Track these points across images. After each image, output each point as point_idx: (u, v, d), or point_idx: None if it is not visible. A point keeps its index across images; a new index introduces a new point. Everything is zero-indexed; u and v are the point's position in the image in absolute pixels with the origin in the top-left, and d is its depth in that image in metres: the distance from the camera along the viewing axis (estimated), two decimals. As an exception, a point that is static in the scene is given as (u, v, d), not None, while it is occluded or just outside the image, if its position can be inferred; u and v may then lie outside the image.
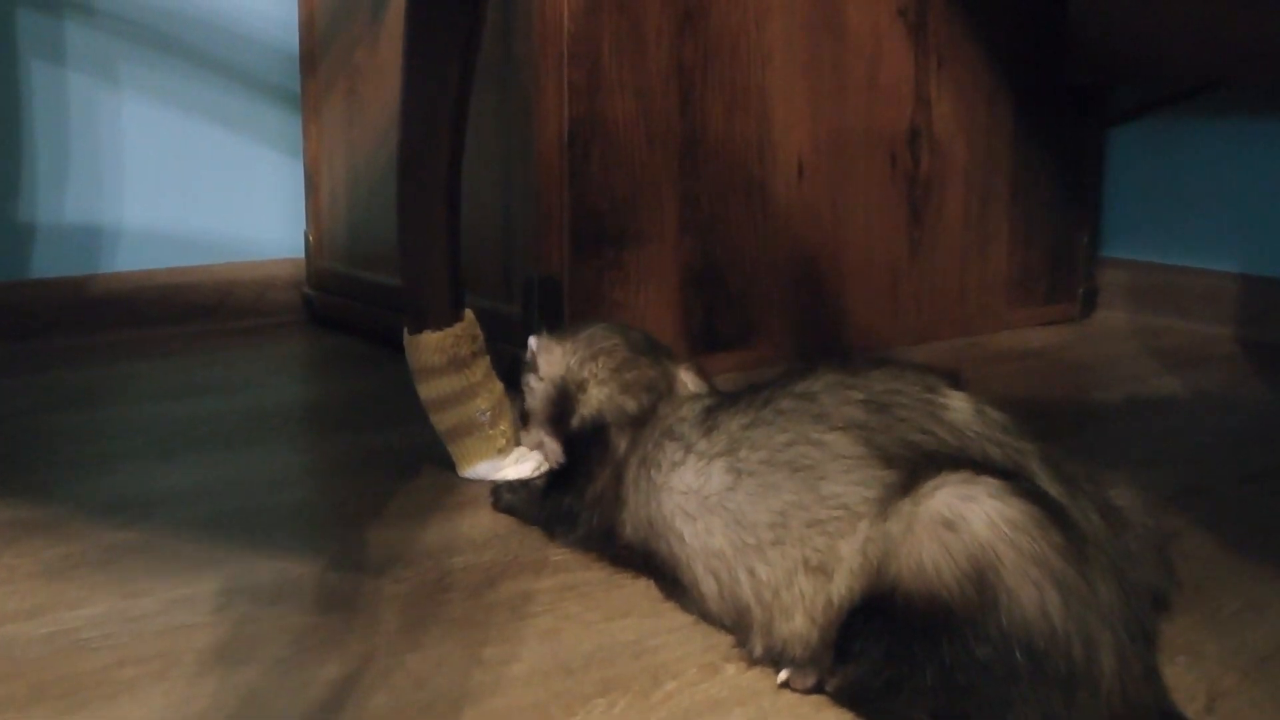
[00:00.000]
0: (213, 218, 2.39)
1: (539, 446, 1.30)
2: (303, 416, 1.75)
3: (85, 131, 2.25)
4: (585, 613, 1.08)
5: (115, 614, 1.07)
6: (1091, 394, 1.91)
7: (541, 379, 1.27)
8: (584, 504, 1.20)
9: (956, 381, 0.98)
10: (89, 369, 2.04)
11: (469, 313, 1.42)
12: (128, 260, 2.31)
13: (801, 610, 0.93)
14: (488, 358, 1.43)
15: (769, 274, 2.01)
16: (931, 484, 0.87)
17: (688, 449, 1.06)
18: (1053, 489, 0.88)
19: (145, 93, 2.30)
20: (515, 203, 1.82)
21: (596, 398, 1.21)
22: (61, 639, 1.02)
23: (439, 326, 1.40)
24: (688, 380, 1.22)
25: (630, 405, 1.19)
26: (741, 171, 1.95)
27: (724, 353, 1.98)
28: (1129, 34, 2.24)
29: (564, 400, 1.25)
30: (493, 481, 1.41)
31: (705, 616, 1.05)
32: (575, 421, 1.22)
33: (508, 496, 1.35)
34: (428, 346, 1.40)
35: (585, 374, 1.24)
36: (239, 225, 2.42)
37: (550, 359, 1.27)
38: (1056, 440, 1.56)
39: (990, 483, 0.86)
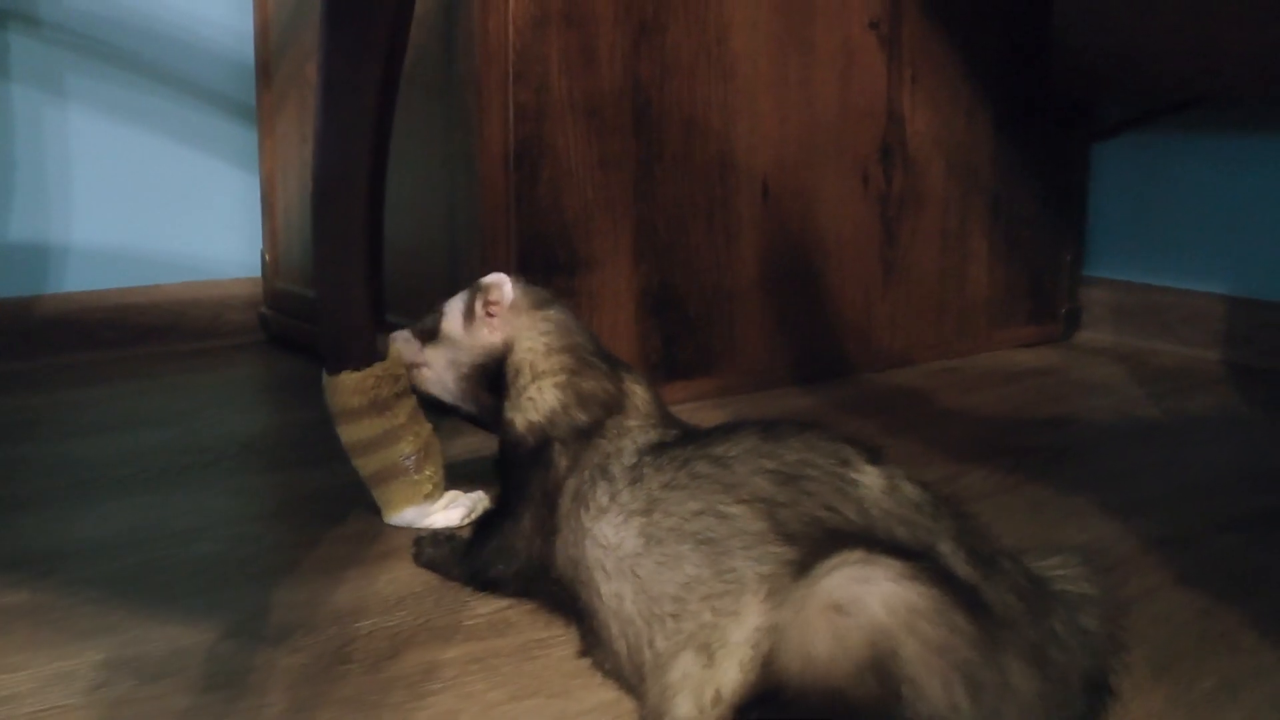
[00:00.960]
0: (166, 235, 2.32)
1: (423, 366, 1.25)
2: (237, 453, 1.67)
3: (30, 146, 2.17)
4: (490, 690, 1.00)
5: (-17, 693, 0.99)
6: (1070, 425, 1.83)
7: (491, 330, 1.19)
8: (519, 532, 1.13)
9: (875, 455, 0.92)
10: (28, 397, 1.97)
11: (393, 350, 1.33)
12: (77, 280, 2.24)
13: (690, 697, 0.86)
14: (413, 398, 1.35)
15: (732, 299, 1.93)
16: (826, 565, 0.81)
17: (613, 496, 1.01)
18: (964, 570, 0.82)
19: (94, 106, 2.22)
20: (460, 229, 1.74)
21: (549, 402, 1.14)
22: (-81, 724, 0.94)
23: (358, 367, 1.32)
24: (639, 401, 1.15)
25: (581, 419, 1.13)
26: (702, 193, 1.87)
27: (684, 381, 1.90)
28: (1116, 46, 2.15)
29: (498, 370, 1.19)
30: (417, 530, 1.33)
31: (618, 677, 0.99)
32: (517, 421, 1.15)
33: (429, 551, 1.27)
34: (346, 388, 1.32)
35: (546, 366, 1.16)
36: (194, 243, 2.35)
37: (515, 321, 1.19)
38: (1034, 477, 1.52)
39: (890, 564, 0.79)
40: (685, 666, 0.87)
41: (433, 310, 1.27)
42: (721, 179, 1.89)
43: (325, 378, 1.34)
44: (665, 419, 1.14)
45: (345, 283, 1.31)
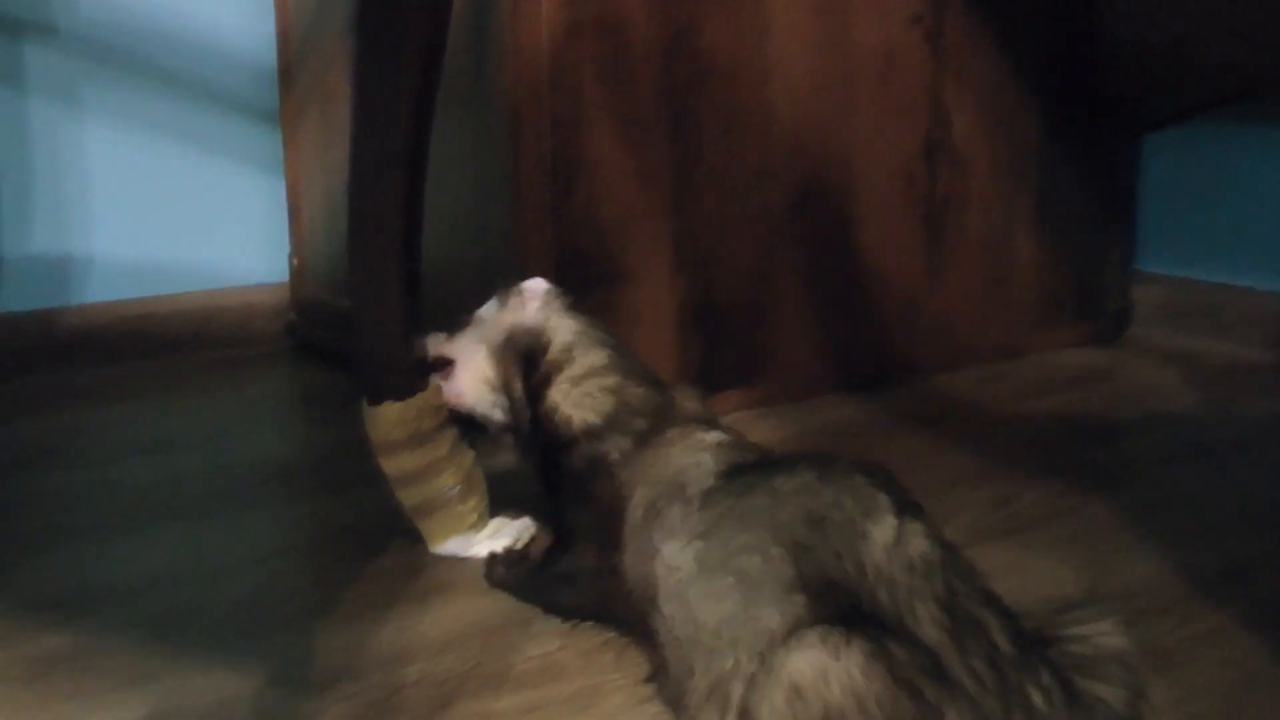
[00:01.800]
0: (189, 243, 2.32)
1: (451, 367, 1.28)
2: (271, 476, 1.67)
3: (48, 156, 2.18)
4: (543, 746, 1.00)
5: (27, 751, 0.99)
6: (1123, 439, 1.81)
7: (524, 312, 1.23)
8: (584, 555, 1.15)
9: (904, 506, 0.94)
10: (53, 417, 1.98)
11: (433, 383, 1.33)
12: (99, 291, 2.25)
13: None
14: (454, 429, 1.34)
15: (774, 309, 1.92)
16: (799, 639, 0.86)
17: (684, 518, 1.03)
18: (933, 635, 0.85)
19: (112, 114, 2.22)
20: (494, 245, 1.74)
21: (603, 406, 1.16)
22: (-36, 786, 0.95)
23: (399, 398, 1.31)
24: (693, 407, 1.18)
25: (641, 424, 1.14)
26: (741, 201, 1.86)
27: (726, 392, 1.90)
28: (1165, 37, 2.13)
29: (537, 354, 1.21)
30: (466, 557, 1.35)
31: (673, 706, 1.00)
32: (574, 420, 1.17)
33: (501, 571, 1.29)
34: (387, 420, 1.32)
35: (591, 361, 1.19)
36: (218, 250, 2.35)
37: (549, 308, 1.24)
38: (1087, 501, 1.50)
39: (850, 651, 0.84)
40: (707, 712, 0.92)
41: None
42: (760, 186, 1.88)
43: (365, 408, 1.34)
44: (731, 433, 1.15)
45: (384, 313, 1.30)
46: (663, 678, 1.03)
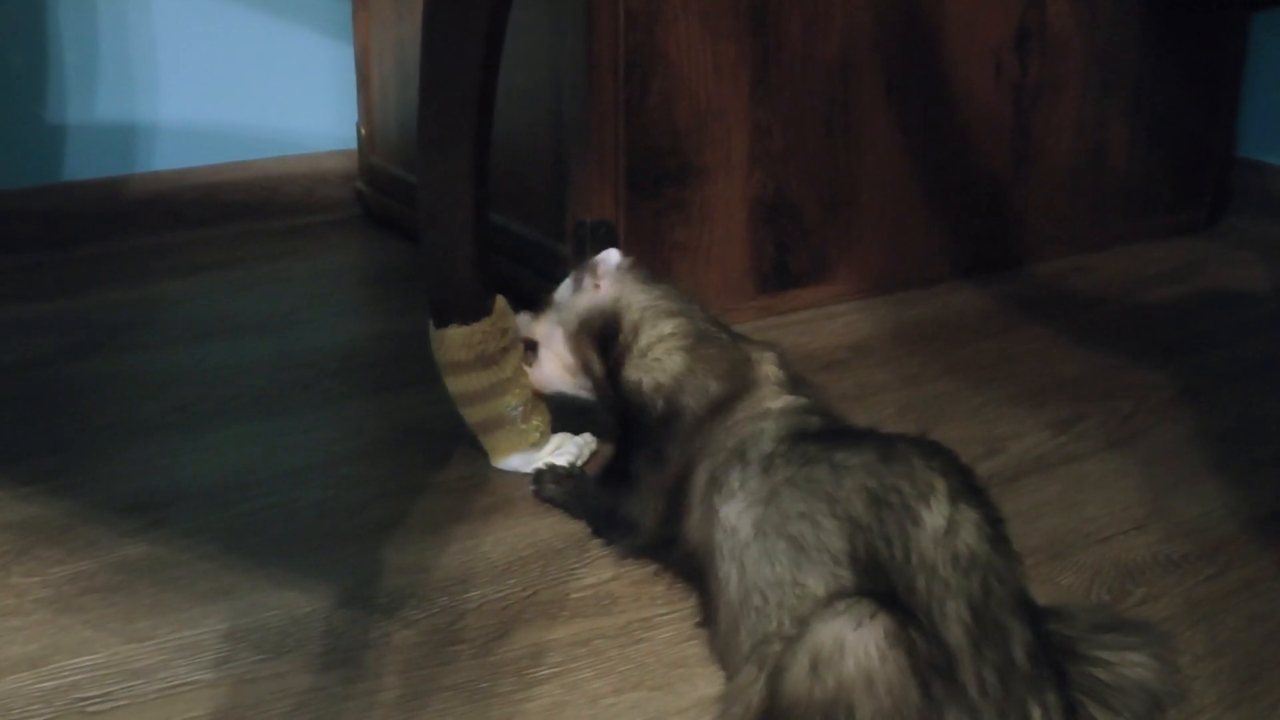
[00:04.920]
0: (256, 110, 2.44)
1: (534, 348, 1.42)
2: (338, 369, 1.81)
3: (114, 21, 2.29)
4: (594, 680, 1.14)
5: (116, 665, 1.15)
6: (1200, 353, 1.88)
7: (598, 292, 1.35)
8: (646, 509, 1.28)
9: (965, 491, 1.04)
10: (122, 290, 2.13)
11: (499, 302, 1.45)
12: (165, 159, 2.38)
13: (741, 700, 1.02)
14: (519, 351, 1.47)
15: (850, 203, 2.02)
16: (833, 610, 0.98)
17: (743, 483, 1.14)
18: (956, 637, 0.95)
19: (180, -25, 2.33)
20: (567, 140, 1.84)
21: (676, 364, 1.27)
22: (59, 698, 1.11)
23: (465, 321, 1.44)
24: (769, 371, 1.28)
25: (714, 388, 1.25)
26: (821, 95, 1.95)
27: (797, 290, 2.01)
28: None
29: (605, 326, 1.33)
30: (529, 473, 1.48)
31: (721, 658, 1.14)
32: (644, 382, 1.29)
33: (551, 488, 1.43)
34: (454, 343, 1.44)
35: (666, 328, 1.30)
36: (285, 116, 2.47)
37: (623, 283, 1.35)
38: (1151, 426, 1.60)
39: (877, 629, 0.95)
40: (745, 677, 1.04)
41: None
42: (843, 78, 1.96)
43: (432, 330, 1.47)
44: (801, 393, 1.26)
45: (452, 235, 1.42)
46: (713, 629, 1.16)
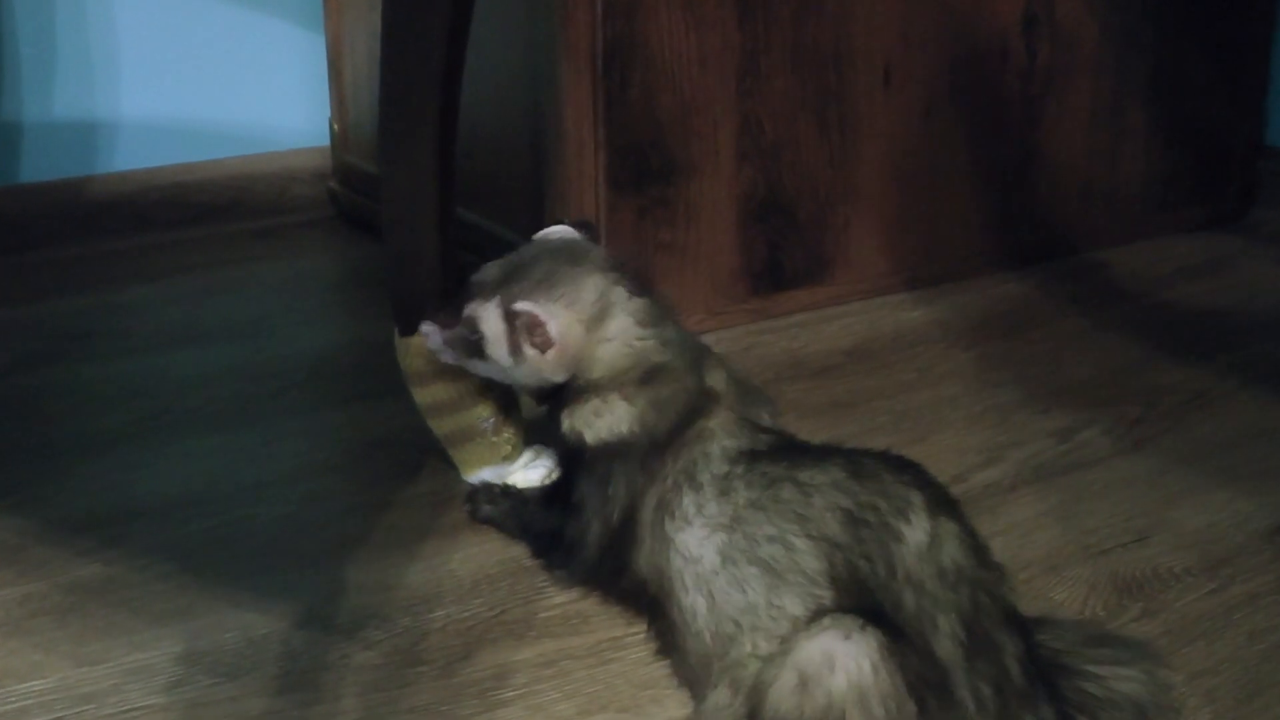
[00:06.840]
0: (224, 105, 2.48)
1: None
2: (305, 379, 1.84)
3: (72, 13, 2.33)
4: (560, 702, 1.18)
5: (66, 690, 1.19)
6: (1219, 356, 1.90)
7: (545, 363, 1.29)
8: (591, 536, 1.29)
9: (940, 506, 1.08)
10: (84, 296, 2.17)
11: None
12: (129, 158, 2.42)
13: None
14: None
15: (846, 199, 2.05)
16: (818, 626, 1.01)
17: (699, 508, 1.17)
18: (948, 651, 0.99)
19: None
20: (544, 135, 1.88)
21: (622, 422, 1.27)
22: (6, 724, 1.15)
23: (431, 329, 1.47)
24: (721, 394, 1.28)
25: (663, 426, 1.26)
26: (813, 86, 1.98)
27: (792, 291, 2.04)
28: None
29: (555, 388, 1.32)
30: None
31: (690, 687, 1.17)
32: (586, 436, 1.29)
33: (488, 508, 1.46)
34: (419, 352, 1.47)
35: (616, 384, 1.28)
36: (255, 113, 2.51)
37: (572, 351, 1.29)
38: (1161, 433, 1.63)
39: (866, 643, 0.98)
40: (719, 698, 1.08)
41: (457, 310, 1.35)
42: (836, 67, 2.00)
43: (396, 338, 1.50)
44: (749, 408, 1.28)
45: (416, 243, 1.45)
46: (677, 658, 1.19)
